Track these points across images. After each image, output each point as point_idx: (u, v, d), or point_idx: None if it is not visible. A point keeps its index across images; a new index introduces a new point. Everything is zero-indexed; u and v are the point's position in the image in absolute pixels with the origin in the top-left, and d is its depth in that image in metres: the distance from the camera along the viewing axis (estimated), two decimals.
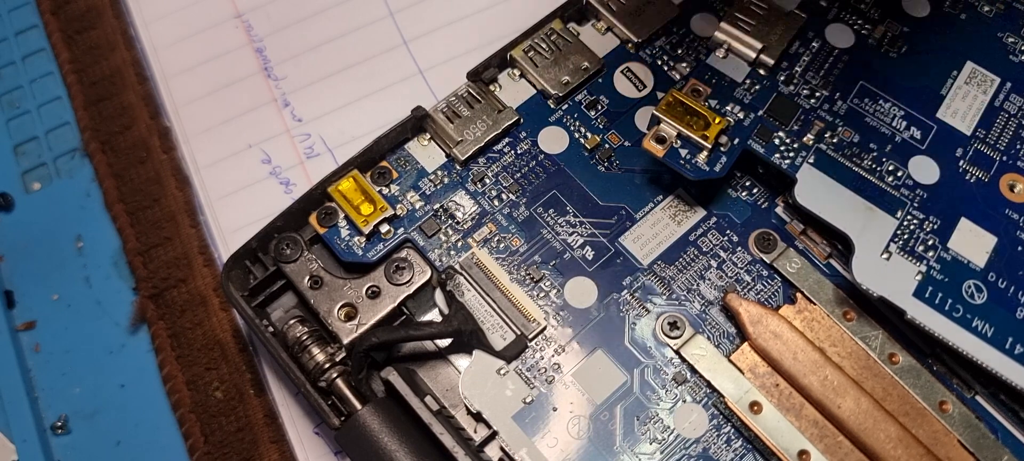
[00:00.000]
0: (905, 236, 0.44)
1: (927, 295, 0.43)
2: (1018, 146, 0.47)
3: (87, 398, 0.50)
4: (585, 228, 0.47)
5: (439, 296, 0.46)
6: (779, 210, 0.47)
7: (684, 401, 0.43)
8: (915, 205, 0.45)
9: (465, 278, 0.45)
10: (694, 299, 0.45)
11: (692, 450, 0.42)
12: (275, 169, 0.54)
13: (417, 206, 0.47)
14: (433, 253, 0.46)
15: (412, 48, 0.57)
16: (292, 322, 0.44)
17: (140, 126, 0.55)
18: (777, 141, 0.47)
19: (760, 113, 0.48)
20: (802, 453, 0.41)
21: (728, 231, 0.47)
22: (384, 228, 0.46)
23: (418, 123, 0.49)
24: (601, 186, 0.48)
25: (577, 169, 0.48)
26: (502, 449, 0.42)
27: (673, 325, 0.44)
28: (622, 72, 0.51)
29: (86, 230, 0.54)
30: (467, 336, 0.44)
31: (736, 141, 0.47)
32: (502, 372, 0.43)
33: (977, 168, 0.46)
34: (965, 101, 0.48)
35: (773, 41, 0.49)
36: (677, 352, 0.44)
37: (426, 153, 0.49)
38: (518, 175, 0.48)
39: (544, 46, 0.51)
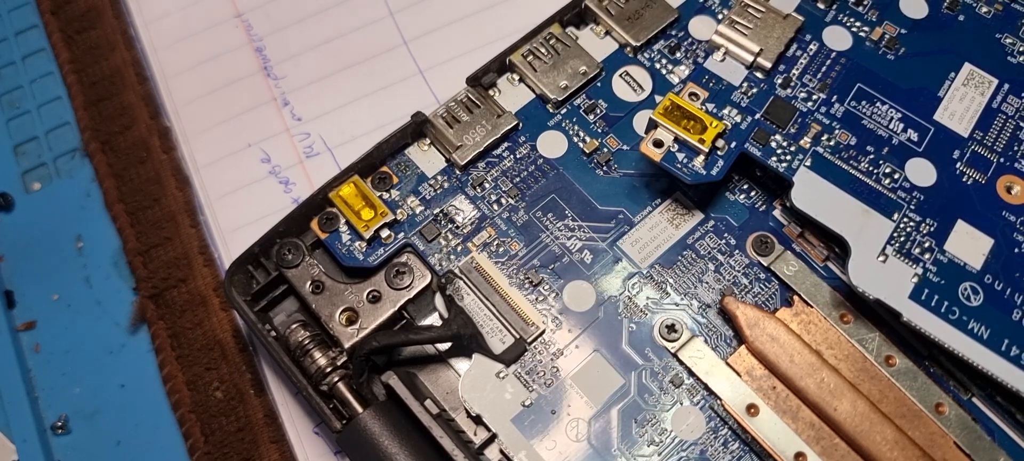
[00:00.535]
0: (901, 239, 0.44)
1: (923, 297, 0.43)
2: (1015, 148, 0.47)
3: (87, 398, 0.50)
4: (583, 232, 0.47)
5: (439, 300, 0.46)
6: (776, 213, 0.48)
7: (682, 404, 0.43)
8: (912, 207, 0.45)
9: (465, 282, 0.46)
10: (692, 302, 0.46)
11: (689, 452, 0.42)
12: (275, 168, 0.54)
13: (417, 211, 0.47)
14: (433, 257, 0.46)
15: (412, 48, 0.57)
16: (294, 326, 0.45)
17: (140, 126, 0.55)
18: (774, 144, 0.47)
19: (757, 116, 0.48)
20: (799, 455, 0.42)
21: (726, 234, 0.47)
22: (385, 233, 0.46)
23: (418, 128, 0.49)
24: (599, 190, 0.48)
25: (576, 173, 0.48)
26: (501, 452, 0.43)
27: (671, 328, 0.45)
28: (620, 76, 0.51)
29: (86, 230, 0.54)
30: (467, 340, 0.44)
31: (733, 144, 0.47)
32: (501, 375, 0.44)
33: (974, 170, 0.46)
34: (962, 103, 0.48)
35: (770, 44, 0.49)
36: (675, 355, 0.44)
37: (426, 158, 0.49)
38: (517, 179, 0.48)
39: (543, 51, 0.51)
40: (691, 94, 0.48)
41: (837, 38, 0.50)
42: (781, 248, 0.46)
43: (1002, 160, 0.47)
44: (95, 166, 0.55)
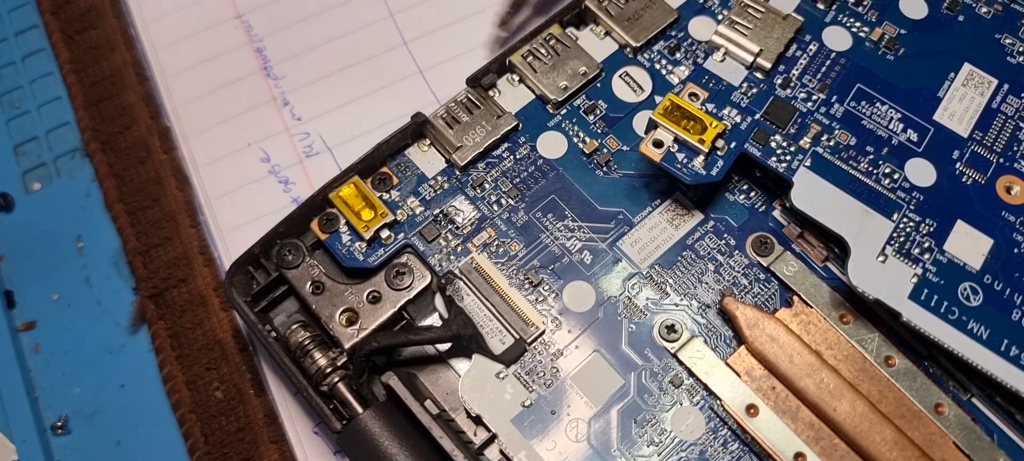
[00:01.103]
0: (901, 239, 0.44)
1: (923, 298, 0.43)
2: (1015, 148, 0.47)
3: (87, 398, 0.50)
4: (583, 232, 0.47)
5: (439, 301, 0.46)
6: (776, 213, 0.48)
7: (681, 404, 0.43)
8: (911, 207, 0.45)
9: (465, 282, 0.46)
10: (691, 302, 0.46)
11: (689, 452, 0.42)
12: (274, 168, 0.54)
13: (417, 211, 0.47)
14: (433, 258, 0.46)
15: (412, 48, 0.57)
16: (294, 327, 0.45)
17: (140, 126, 0.55)
18: (774, 144, 0.47)
19: (757, 116, 0.48)
20: (798, 456, 0.42)
21: (725, 235, 0.47)
22: (385, 233, 0.46)
23: (418, 129, 0.49)
24: (599, 190, 0.48)
25: (575, 174, 0.48)
26: (501, 452, 0.43)
27: (671, 328, 0.45)
28: (620, 76, 0.51)
29: (86, 230, 0.54)
30: (467, 340, 0.44)
31: (733, 145, 0.47)
32: (501, 376, 0.44)
33: (974, 170, 0.46)
34: (962, 103, 0.48)
35: (770, 44, 0.49)
36: (674, 355, 0.44)
37: (426, 159, 0.49)
38: (517, 180, 0.48)
39: (543, 51, 0.51)
40: (691, 94, 0.48)
41: (837, 38, 0.50)
42: (781, 248, 0.46)
43: (1002, 160, 0.47)
44: (95, 166, 0.55)
